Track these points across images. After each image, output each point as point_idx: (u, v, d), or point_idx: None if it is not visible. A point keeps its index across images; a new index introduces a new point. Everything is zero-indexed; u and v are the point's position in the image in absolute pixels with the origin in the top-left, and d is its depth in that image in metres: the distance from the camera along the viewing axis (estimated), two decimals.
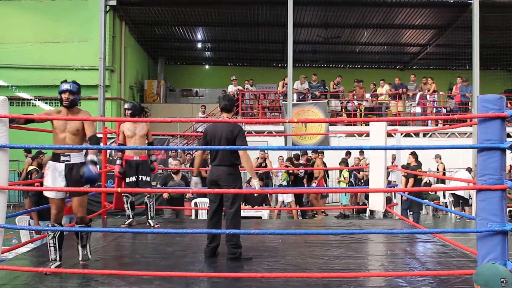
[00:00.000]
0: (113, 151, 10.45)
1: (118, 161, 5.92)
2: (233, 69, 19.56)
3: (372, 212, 11.01)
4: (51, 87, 15.33)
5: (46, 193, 3.99)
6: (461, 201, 11.50)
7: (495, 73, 18.86)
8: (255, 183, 4.36)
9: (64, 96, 3.92)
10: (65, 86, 3.93)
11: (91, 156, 3.83)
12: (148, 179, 5.98)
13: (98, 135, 4.08)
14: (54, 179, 3.89)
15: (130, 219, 6.00)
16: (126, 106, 6.10)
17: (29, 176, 10.41)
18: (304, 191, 11.29)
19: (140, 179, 5.90)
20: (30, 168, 10.67)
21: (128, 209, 6.01)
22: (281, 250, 4.70)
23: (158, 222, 6.17)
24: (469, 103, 14.57)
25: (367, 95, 15.30)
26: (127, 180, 5.89)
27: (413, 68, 20.88)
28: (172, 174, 7.62)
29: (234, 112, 4.60)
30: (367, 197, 9.00)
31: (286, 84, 14.08)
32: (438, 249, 4.79)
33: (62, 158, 3.91)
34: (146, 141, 6.04)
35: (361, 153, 12.66)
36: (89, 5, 15.20)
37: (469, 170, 11.78)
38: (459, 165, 12.80)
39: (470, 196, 11.76)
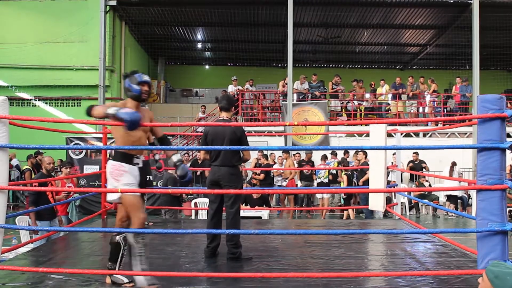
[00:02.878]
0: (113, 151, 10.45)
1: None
2: (233, 69, 19.55)
3: (372, 212, 11.01)
4: (51, 87, 15.35)
5: (112, 198, 3.55)
6: (452, 200, 11.64)
7: (495, 73, 18.86)
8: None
9: (144, 88, 3.50)
10: (146, 78, 3.53)
11: (178, 157, 3.74)
12: (151, 178, 6.12)
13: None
14: (130, 183, 3.48)
15: None
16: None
17: (23, 175, 10.42)
18: (301, 191, 11.33)
19: (148, 178, 6.01)
20: (24, 167, 10.70)
21: None
22: (281, 250, 4.70)
23: (155, 223, 6.22)
24: (469, 103, 14.57)
25: (367, 95, 15.31)
26: None
27: (413, 68, 20.88)
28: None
29: (234, 112, 4.62)
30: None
31: (286, 84, 14.08)
32: (438, 249, 4.80)
33: (135, 160, 3.55)
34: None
35: (356, 153, 12.65)
36: (89, 5, 15.20)
37: (453, 164, 11.86)
38: (459, 166, 12.78)
39: (463, 194, 11.88)
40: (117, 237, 3.49)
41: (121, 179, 3.44)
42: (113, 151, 3.64)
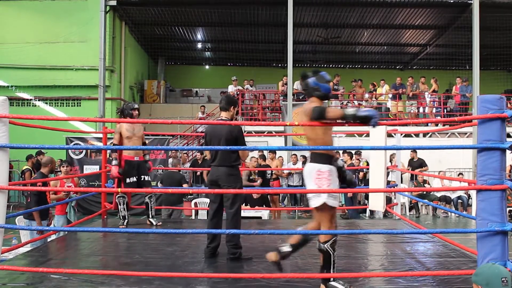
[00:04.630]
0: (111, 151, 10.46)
1: (114, 162, 5.87)
2: (233, 69, 19.56)
3: (372, 212, 11.02)
4: (51, 87, 15.34)
5: (332, 203, 3.32)
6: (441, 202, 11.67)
7: (495, 73, 18.86)
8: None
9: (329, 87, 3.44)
10: (329, 76, 3.46)
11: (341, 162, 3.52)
12: (149, 178, 6.10)
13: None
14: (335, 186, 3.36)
15: (126, 220, 6.01)
16: (136, 106, 6.17)
17: (23, 176, 10.41)
18: (299, 191, 11.30)
19: (142, 179, 5.97)
20: (24, 168, 10.68)
21: (124, 209, 6.01)
22: None
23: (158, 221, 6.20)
24: (469, 103, 14.58)
25: (366, 95, 15.31)
26: (128, 180, 5.89)
27: (413, 68, 20.88)
28: None
29: (234, 111, 4.57)
30: (367, 197, 9.02)
31: (286, 84, 14.07)
32: (438, 249, 4.79)
33: (333, 161, 3.41)
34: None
35: (358, 153, 12.65)
36: (89, 5, 15.20)
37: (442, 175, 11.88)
38: (459, 166, 12.81)
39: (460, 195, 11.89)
40: (324, 245, 3.35)
41: (326, 187, 3.31)
42: (311, 153, 3.46)
